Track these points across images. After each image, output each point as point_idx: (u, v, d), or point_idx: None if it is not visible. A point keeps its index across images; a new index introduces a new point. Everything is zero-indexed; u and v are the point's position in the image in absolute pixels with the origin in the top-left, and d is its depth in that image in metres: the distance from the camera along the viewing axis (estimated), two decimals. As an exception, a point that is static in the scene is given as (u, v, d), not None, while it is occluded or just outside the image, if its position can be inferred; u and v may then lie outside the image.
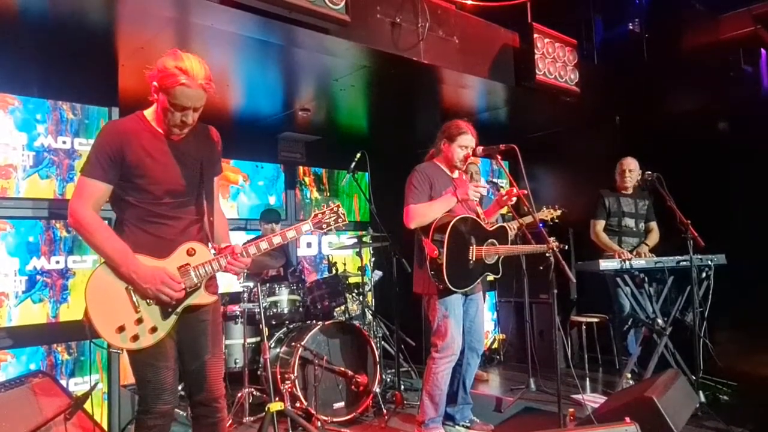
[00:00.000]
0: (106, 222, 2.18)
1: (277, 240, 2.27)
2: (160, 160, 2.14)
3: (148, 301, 2.09)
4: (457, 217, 3.20)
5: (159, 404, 2.13)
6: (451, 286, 3.15)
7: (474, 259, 3.25)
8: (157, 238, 2.14)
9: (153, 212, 2.14)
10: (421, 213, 3.23)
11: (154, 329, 2.09)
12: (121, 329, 2.04)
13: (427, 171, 3.38)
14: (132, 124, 2.16)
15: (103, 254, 2.07)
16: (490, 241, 3.35)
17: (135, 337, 2.06)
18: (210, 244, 2.25)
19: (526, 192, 3.20)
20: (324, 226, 2.38)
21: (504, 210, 5.46)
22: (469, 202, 3.40)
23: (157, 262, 2.11)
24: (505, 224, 3.63)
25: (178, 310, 2.14)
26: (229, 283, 4.71)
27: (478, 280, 3.35)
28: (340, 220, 2.40)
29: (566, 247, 3.01)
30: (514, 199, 3.37)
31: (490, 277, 3.44)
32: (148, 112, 2.19)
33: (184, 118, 2.10)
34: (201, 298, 2.19)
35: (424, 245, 3.23)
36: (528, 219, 3.75)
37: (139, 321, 2.07)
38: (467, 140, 3.37)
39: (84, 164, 2.12)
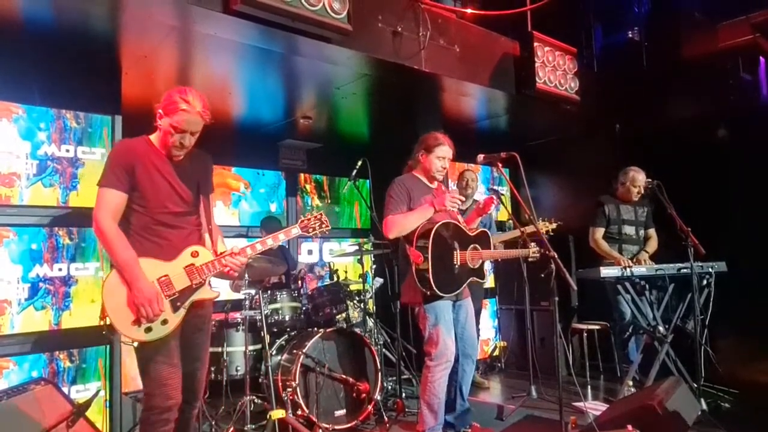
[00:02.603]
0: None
1: (269, 242, 2.59)
2: (164, 176, 2.46)
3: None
4: (440, 223, 3.21)
5: (161, 400, 2.33)
6: (438, 292, 3.16)
7: (459, 263, 3.27)
8: (162, 244, 2.43)
9: (158, 221, 2.43)
10: (399, 223, 3.26)
11: (165, 321, 2.34)
12: (136, 322, 2.29)
13: (406, 182, 3.41)
14: (141, 145, 2.49)
15: (114, 260, 2.34)
16: (473, 246, 3.37)
17: (148, 329, 2.31)
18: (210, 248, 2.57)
19: (497, 201, 3.25)
20: (310, 230, 2.70)
21: (505, 217, 5.48)
22: (452, 211, 3.42)
23: (165, 264, 2.39)
24: (514, 230, 3.65)
25: (186, 304, 2.41)
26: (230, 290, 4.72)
27: (465, 285, 3.36)
28: (323, 226, 2.72)
29: (550, 252, 3.01)
30: (492, 207, 3.41)
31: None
32: (153, 138, 2.52)
33: (182, 141, 2.43)
34: (206, 293, 2.49)
35: (409, 253, 3.25)
36: (530, 228, 3.77)
37: None
38: (444, 151, 3.40)
39: (101, 177, 2.41)
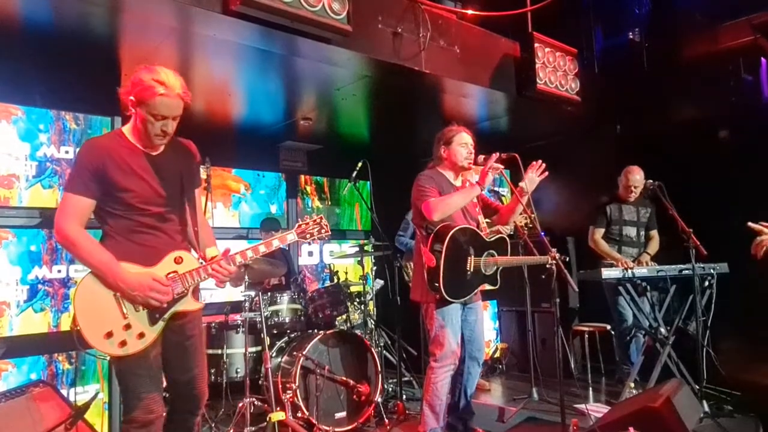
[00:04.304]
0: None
1: (262, 249, 2.34)
2: (141, 175, 2.19)
3: (136, 306, 2.13)
4: (456, 228, 3.17)
5: (141, 413, 2.14)
6: (447, 297, 3.13)
7: (472, 270, 3.23)
8: (144, 247, 2.19)
9: (139, 222, 2.19)
10: (444, 203, 3.16)
11: (141, 335, 2.13)
12: (109, 335, 2.07)
13: (433, 175, 3.38)
14: (111, 142, 2.22)
15: (90, 266, 2.11)
16: (489, 251, 3.32)
17: (123, 343, 2.09)
18: (195, 253, 2.33)
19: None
20: (307, 236, 2.46)
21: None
22: (472, 211, 3.40)
23: (145, 269, 2.16)
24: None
25: (166, 316, 2.18)
26: (230, 291, 4.71)
27: (476, 291, 3.33)
28: (323, 231, 2.49)
29: (567, 259, 2.99)
30: (536, 180, 3.25)
31: (488, 287, 3.42)
32: (126, 129, 2.25)
33: (164, 128, 2.16)
34: (188, 304, 2.25)
35: (423, 254, 3.23)
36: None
37: (127, 327, 2.11)
38: (465, 137, 3.37)
39: (67, 181, 2.19)
